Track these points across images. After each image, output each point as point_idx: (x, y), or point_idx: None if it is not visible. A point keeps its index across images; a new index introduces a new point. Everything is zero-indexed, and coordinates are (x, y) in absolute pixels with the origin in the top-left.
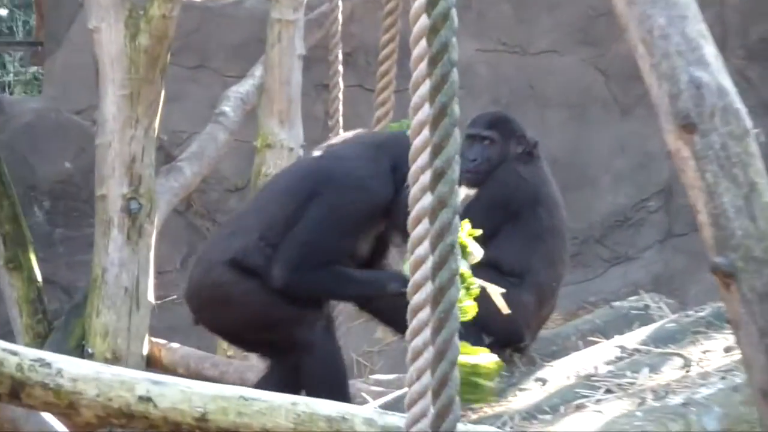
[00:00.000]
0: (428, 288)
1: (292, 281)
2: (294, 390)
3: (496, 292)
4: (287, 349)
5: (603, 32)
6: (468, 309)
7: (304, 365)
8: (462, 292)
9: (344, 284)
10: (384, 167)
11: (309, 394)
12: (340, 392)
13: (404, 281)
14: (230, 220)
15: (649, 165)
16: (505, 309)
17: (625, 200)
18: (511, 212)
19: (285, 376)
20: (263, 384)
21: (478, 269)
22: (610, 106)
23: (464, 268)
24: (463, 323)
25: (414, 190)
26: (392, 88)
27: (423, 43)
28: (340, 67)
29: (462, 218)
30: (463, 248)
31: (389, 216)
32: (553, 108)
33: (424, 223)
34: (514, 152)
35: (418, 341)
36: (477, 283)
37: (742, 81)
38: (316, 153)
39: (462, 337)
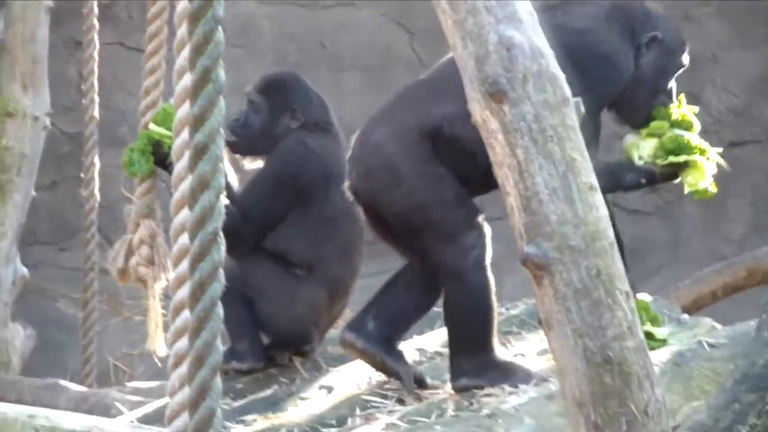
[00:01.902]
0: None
1: None
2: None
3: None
4: (434, 267)
5: None
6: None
7: (449, 293)
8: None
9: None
10: (627, 42)
11: (450, 329)
12: (483, 335)
13: (643, 172)
14: (429, 84)
15: None
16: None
17: None
18: (300, 191)
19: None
20: (394, 282)
21: (259, 260)
22: (415, 68)
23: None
24: None
25: (177, 169)
26: (163, 52)
27: None
28: (96, 22)
29: (242, 198)
30: (687, 122)
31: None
32: (349, 70)
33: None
34: (286, 126)
35: (180, 344)
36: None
37: None
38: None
39: (236, 336)
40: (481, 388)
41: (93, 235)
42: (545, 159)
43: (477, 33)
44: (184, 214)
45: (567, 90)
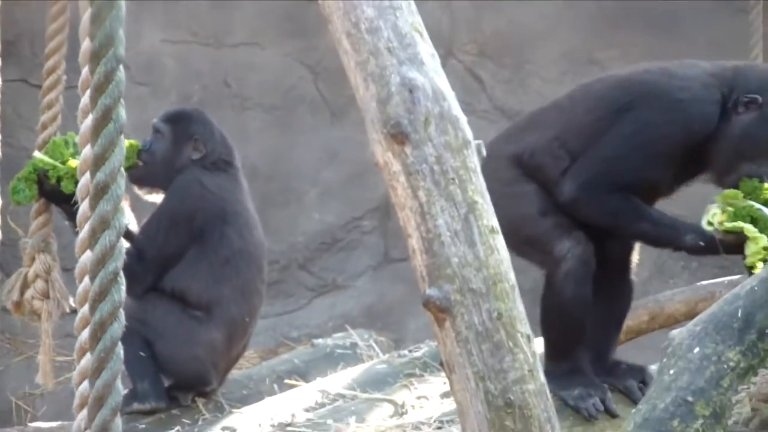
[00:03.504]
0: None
1: (580, 199)
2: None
3: None
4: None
5: (312, 21)
6: None
7: (542, 298)
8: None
9: (636, 218)
10: (713, 93)
11: (541, 329)
12: (561, 346)
13: (704, 236)
14: (528, 116)
15: (363, 177)
16: None
17: (335, 219)
18: (196, 230)
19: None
20: None
21: (158, 301)
22: (319, 108)
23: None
24: None
25: (83, 208)
26: (61, 87)
27: None
28: None
29: (138, 236)
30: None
31: (705, 149)
32: (253, 109)
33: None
34: (187, 157)
35: (85, 385)
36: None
37: (473, 81)
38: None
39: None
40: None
41: None
42: (447, 201)
43: (379, 74)
44: (89, 255)
45: (468, 132)
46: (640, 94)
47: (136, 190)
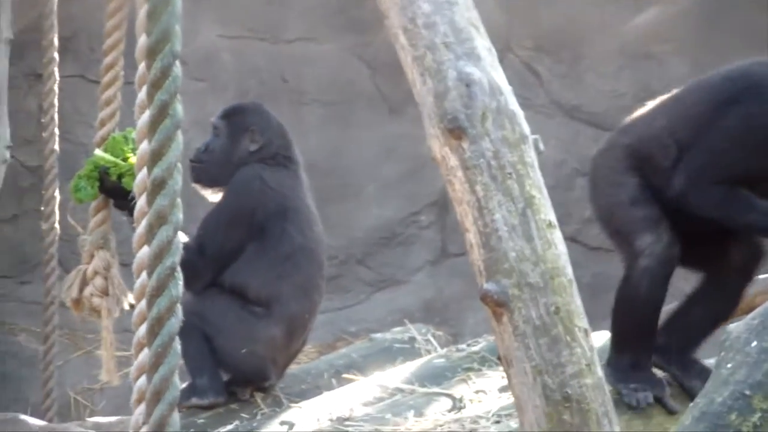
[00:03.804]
0: None
1: (689, 191)
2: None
3: None
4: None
5: (369, 16)
6: None
7: (618, 288)
8: None
9: (744, 209)
10: None
11: (611, 322)
12: (628, 341)
13: None
14: (647, 107)
15: (421, 172)
16: None
17: (393, 213)
18: (256, 226)
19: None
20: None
21: (217, 296)
22: (376, 103)
23: None
24: None
25: (140, 204)
26: (119, 84)
27: None
28: (56, 55)
29: (198, 232)
30: None
31: None
32: (311, 105)
33: None
34: (245, 149)
35: (143, 379)
36: None
37: (531, 76)
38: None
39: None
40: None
41: (53, 268)
42: (504, 196)
43: (436, 69)
44: (146, 250)
45: (525, 127)
46: (745, 86)
47: (199, 190)
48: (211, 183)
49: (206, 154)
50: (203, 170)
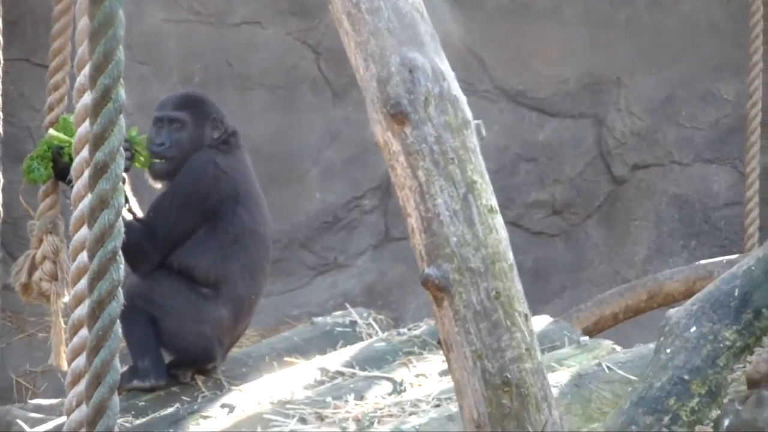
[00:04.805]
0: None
1: None
2: None
3: None
4: None
5: (314, 1)
6: None
7: None
8: None
9: None
10: None
11: None
12: None
13: None
14: None
15: (364, 157)
16: None
17: (336, 198)
18: (209, 210)
19: None
20: None
21: (165, 278)
22: (321, 88)
23: None
24: None
25: (77, 187)
26: (67, 68)
27: None
28: (0, 38)
29: (148, 214)
30: None
31: None
32: (255, 89)
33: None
34: (209, 137)
35: (78, 362)
36: None
37: (474, 61)
38: None
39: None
40: None
41: None
42: (446, 181)
43: (379, 54)
44: (84, 232)
45: (468, 112)
46: None
47: (154, 184)
48: (171, 177)
49: (174, 149)
50: (170, 166)
